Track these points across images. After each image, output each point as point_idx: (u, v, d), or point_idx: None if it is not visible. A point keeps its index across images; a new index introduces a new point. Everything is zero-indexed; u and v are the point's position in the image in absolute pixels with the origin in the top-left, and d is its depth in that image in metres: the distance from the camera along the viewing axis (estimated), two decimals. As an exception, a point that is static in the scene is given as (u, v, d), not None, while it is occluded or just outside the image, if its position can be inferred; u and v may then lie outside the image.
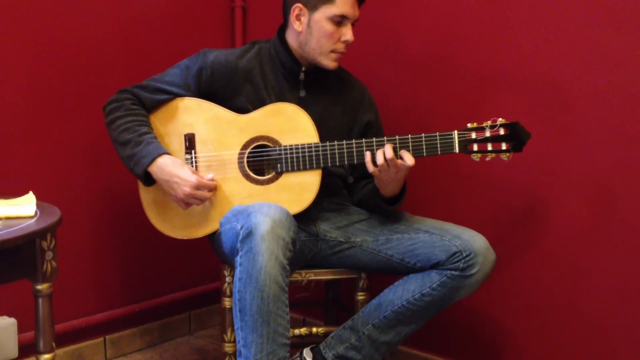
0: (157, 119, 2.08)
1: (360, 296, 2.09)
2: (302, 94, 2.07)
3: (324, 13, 2.00)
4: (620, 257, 2.04)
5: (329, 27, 2.00)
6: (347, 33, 2.01)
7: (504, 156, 1.90)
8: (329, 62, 2.04)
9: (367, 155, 1.92)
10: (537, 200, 2.18)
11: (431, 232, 1.96)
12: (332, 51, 2.03)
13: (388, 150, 1.90)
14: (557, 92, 2.10)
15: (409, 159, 1.90)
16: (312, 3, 2.01)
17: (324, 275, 2.09)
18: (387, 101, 2.33)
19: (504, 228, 2.24)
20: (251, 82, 2.07)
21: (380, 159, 1.90)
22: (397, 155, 1.90)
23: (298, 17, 2.04)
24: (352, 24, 2.03)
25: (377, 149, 1.92)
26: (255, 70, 2.08)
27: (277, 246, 1.75)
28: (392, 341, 2.00)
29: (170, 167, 1.96)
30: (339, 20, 2.00)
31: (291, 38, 2.08)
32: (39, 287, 1.68)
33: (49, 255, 1.67)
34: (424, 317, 1.97)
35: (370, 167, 1.92)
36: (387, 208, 2.04)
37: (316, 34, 2.01)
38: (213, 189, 2.00)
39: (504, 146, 1.90)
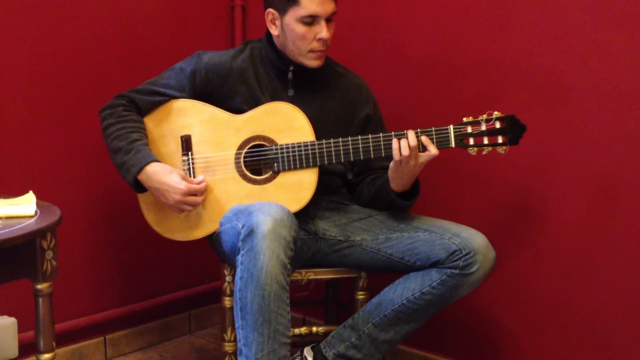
0: (152, 122, 2.07)
1: (360, 295, 2.09)
2: (291, 93, 2.07)
3: (292, 15, 1.98)
4: (620, 255, 2.04)
5: (300, 28, 1.98)
6: (322, 31, 1.98)
7: (501, 149, 1.90)
8: (310, 62, 2.03)
9: (395, 142, 1.89)
10: (536, 198, 2.18)
11: (431, 231, 1.96)
12: (310, 51, 2.01)
13: (412, 137, 1.87)
14: (555, 87, 2.10)
15: (433, 148, 1.88)
16: (281, 7, 1.99)
17: (323, 274, 2.09)
18: (383, 96, 2.32)
19: (503, 226, 2.24)
20: (246, 82, 2.07)
21: (405, 150, 1.87)
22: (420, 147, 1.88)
23: (273, 22, 2.03)
24: (330, 19, 2.01)
25: (400, 139, 1.88)
26: (249, 70, 2.07)
27: (278, 245, 1.75)
28: (393, 340, 2.00)
29: (159, 175, 1.95)
30: (309, 21, 1.97)
31: (275, 40, 2.07)
32: (39, 286, 1.67)
33: (49, 254, 1.67)
34: (424, 316, 1.97)
35: (397, 156, 1.88)
36: (402, 203, 2.00)
37: (290, 37, 2.00)
38: (203, 191, 1.99)
39: (500, 139, 1.90)
